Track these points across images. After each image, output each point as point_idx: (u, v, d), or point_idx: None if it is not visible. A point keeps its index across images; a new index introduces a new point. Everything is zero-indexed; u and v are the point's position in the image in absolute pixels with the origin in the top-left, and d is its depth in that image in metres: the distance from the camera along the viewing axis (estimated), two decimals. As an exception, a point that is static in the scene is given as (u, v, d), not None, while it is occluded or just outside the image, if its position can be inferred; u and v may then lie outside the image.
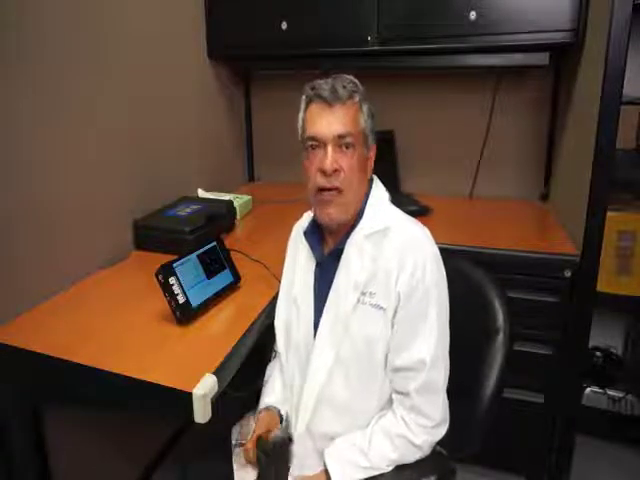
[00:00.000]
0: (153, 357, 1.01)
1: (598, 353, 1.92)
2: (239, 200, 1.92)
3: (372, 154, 1.04)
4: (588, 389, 1.95)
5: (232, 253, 1.33)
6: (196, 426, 0.90)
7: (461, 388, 1.01)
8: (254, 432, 1.07)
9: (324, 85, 0.97)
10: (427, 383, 0.95)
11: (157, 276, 1.10)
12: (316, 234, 1.08)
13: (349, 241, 1.01)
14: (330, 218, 1.00)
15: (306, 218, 1.15)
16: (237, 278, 1.30)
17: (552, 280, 1.48)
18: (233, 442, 1.13)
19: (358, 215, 1.02)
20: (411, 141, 2.10)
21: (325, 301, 1.03)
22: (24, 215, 1.19)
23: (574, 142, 1.66)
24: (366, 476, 0.96)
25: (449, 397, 0.99)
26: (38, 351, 1.03)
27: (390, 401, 1.00)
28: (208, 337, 1.10)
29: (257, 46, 1.95)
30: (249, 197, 2.00)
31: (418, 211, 1.78)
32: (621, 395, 1.93)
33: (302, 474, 1.03)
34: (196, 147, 1.98)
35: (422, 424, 0.95)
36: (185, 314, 1.12)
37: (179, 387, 0.90)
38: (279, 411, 1.10)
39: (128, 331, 1.11)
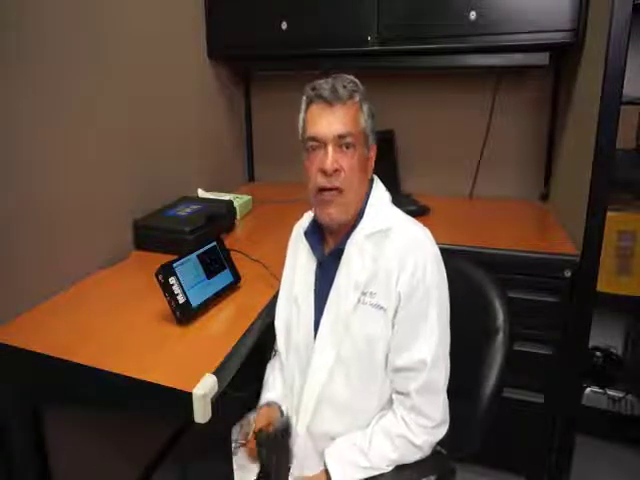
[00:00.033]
0: (153, 357, 1.01)
1: (598, 353, 1.92)
2: (239, 200, 1.92)
3: (373, 154, 1.04)
4: (588, 389, 1.95)
5: (232, 253, 1.33)
6: (196, 426, 0.90)
7: (461, 388, 1.01)
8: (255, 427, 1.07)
9: (324, 85, 0.97)
10: (427, 383, 0.95)
11: (157, 276, 1.10)
12: (316, 234, 1.08)
13: (350, 241, 1.01)
14: (331, 218, 1.00)
15: (306, 218, 1.15)
16: (237, 278, 1.30)
17: (552, 280, 1.48)
18: (233, 442, 1.13)
19: (359, 215, 1.02)
20: (411, 141, 2.10)
21: (326, 301, 1.03)
22: (24, 215, 1.19)
23: (574, 142, 1.66)
24: (366, 476, 0.96)
25: (449, 397, 0.99)
26: (38, 351, 1.03)
27: (390, 401, 1.00)
28: (208, 337, 1.10)
29: (257, 46, 1.95)
30: (249, 197, 2.00)
31: (418, 211, 1.78)
32: (621, 395, 1.93)
33: (302, 474, 1.03)
34: (196, 147, 1.98)
35: (422, 424, 0.95)
36: (185, 314, 1.12)
37: (179, 387, 0.90)
38: (280, 406, 1.10)
39: (128, 331, 1.11)
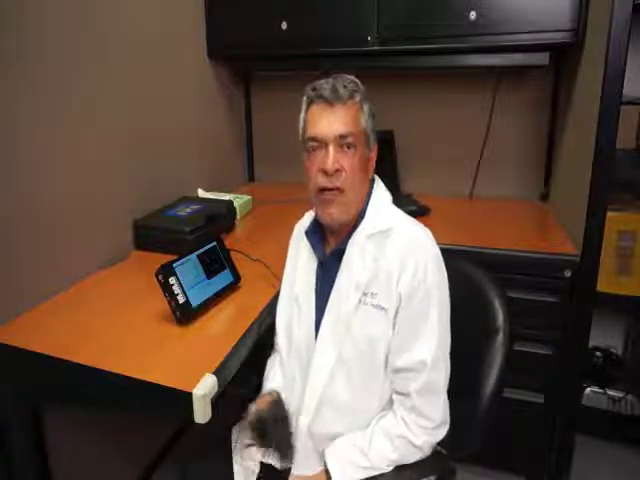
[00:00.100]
0: (153, 357, 1.01)
1: (598, 353, 1.92)
2: (239, 200, 1.92)
3: (373, 154, 1.04)
4: (588, 389, 1.95)
5: (232, 253, 1.33)
6: (196, 426, 0.90)
7: (461, 388, 1.01)
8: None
9: (325, 85, 0.97)
10: (428, 384, 0.95)
11: (157, 276, 1.10)
12: (318, 234, 1.08)
13: (351, 241, 1.01)
14: (332, 218, 1.00)
15: (307, 218, 1.15)
16: (237, 278, 1.30)
17: (552, 280, 1.48)
18: (233, 442, 1.13)
19: (360, 215, 1.02)
20: (411, 141, 2.10)
21: (326, 301, 1.03)
22: (24, 215, 1.19)
23: (574, 142, 1.66)
24: (366, 476, 0.96)
25: (449, 397, 0.99)
26: (38, 351, 1.03)
27: (391, 401, 1.00)
28: (208, 337, 1.10)
29: (257, 46, 1.95)
30: (249, 197, 2.00)
31: (418, 211, 1.78)
32: (621, 395, 1.93)
33: (302, 474, 1.03)
34: (196, 147, 1.98)
35: (422, 425, 0.95)
36: (185, 314, 1.12)
37: (179, 387, 0.90)
38: (279, 394, 1.10)
39: (128, 331, 1.11)
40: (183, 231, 1.52)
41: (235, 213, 1.85)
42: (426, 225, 1.04)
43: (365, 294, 0.98)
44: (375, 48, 1.77)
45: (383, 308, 0.97)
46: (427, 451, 0.98)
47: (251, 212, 1.99)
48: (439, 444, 1.01)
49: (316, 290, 1.07)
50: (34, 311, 1.20)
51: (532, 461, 1.66)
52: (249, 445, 1.12)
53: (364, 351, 0.98)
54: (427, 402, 0.95)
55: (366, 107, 1.00)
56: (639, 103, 1.59)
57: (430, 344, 0.95)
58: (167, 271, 1.11)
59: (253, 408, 1.04)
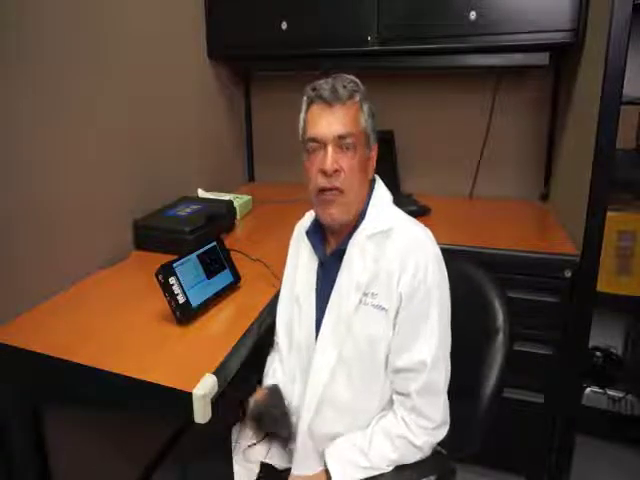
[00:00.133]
0: (153, 357, 1.01)
1: (598, 353, 1.92)
2: (239, 200, 1.92)
3: (374, 153, 1.04)
4: (588, 389, 1.95)
5: (232, 253, 1.33)
6: (196, 426, 0.90)
7: (461, 388, 1.01)
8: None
9: (324, 85, 0.97)
10: (428, 384, 0.95)
11: (157, 276, 1.10)
12: (318, 233, 1.08)
13: (351, 242, 1.01)
14: (332, 218, 1.00)
15: (308, 217, 1.15)
16: (237, 278, 1.30)
17: (552, 280, 1.48)
18: (233, 442, 1.13)
19: (360, 216, 1.02)
20: (411, 141, 2.10)
21: (327, 301, 1.03)
22: (24, 215, 1.19)
23: (574, 142, 1.66)
24: (366, 476, 0.96)
25: (449, 397, 0.99)
26: (38, 351, 1.03)
27: (391, 401, 1.00)
28: (208, 337, 1.10)
29: (257, 46, 1.95)
30: (249, 197, 2.00)
31: (418, 211, 1.78)
32: (621, 395, 1.93)
33: (302, 474, 1.03)
34: (196, 147, 1.98)
35: (422, 425, 0.95)
36: (185, 314, 1.12)
37: (179, 387, 0.90)
38: (277, 385, 1.10)
39: (128, 331, 1.11)
40: (183, 231, 1.52)
41: (235, 213, 1.85)
42: (426, 225, 1.04)
43: (365, 294, 0.98)
44: (375, 48, 1.77)
45: (383, 308, 0.96)
46: (427, 451, 0.98)
47: (251, 212, 1.99)
48: (439, 444, 1.01)
49: (316, 290, 1.07)
50: (34, 311, 1.20)
51: (532, 461, 1.66)
52: (249, 445, 1.12)
53: (364, 351, 0.98)
54: (427, 402, 0.95)
55: (366, 107, 1.00)
56: (639, 103, 1.59)
57: (430, 344, 0.95)
58: (167, 271, 1.11)
59: (252, 401, 1.07)
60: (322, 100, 0.96)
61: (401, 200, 1.56)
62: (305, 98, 1.01)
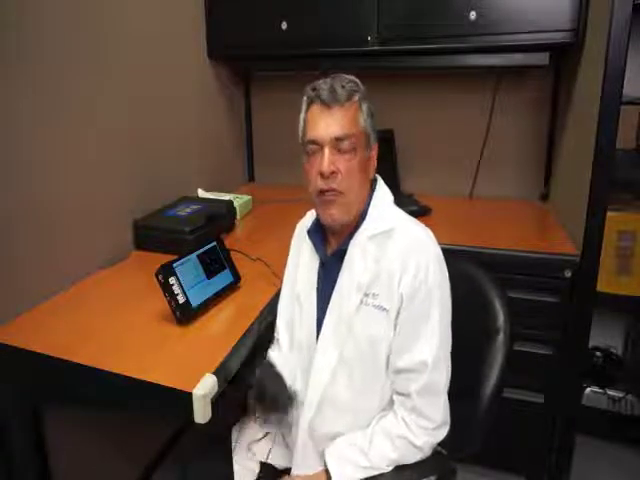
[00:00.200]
0: (153, 357, 1.01)
1: (598, 353, 1.92)
2: (239, 200, 1.92)
3: (374, 153, 1.03)
4: (588, 389, 1.95)
5: (232, 253, 1.33)
6: (196, 426, 0.90)
7: (461, 388, 1.01)
8: None
9: (323, 86, 0.97)
10: (428, 385, 0.95)
11: (157, 276, 1.10)
12: (319, 233, 1.08)
13: (352, 242, 1.01)
14: (332, 219, 1.00)
15: (309, 217, 1.15)
16: (237, 278, 1.30)
17: (552, 280, 1.48)
18: (233, 442, 1.13)
19: (361, 216, 1.02)
20: (411, 141, 2.10)
21: (328, 301, 1.03)
22: (24, 215, 1.19)
23: (574, 142, 1.66)
24: (366, 476, 0.96)
25: (449, 397, 0.99)
26: (38, 351, 1.03)
27: (392, 401, 1.00)
28: (208, 337, 1.10)
29: (257, 46, 1.95)
30: (249, 197, 2.00)
31: (419, 211, 1.78)
32: (621, 395, 1.93)
33: (302, 473, 1.03)
34: (196, 147, 1.98)
35: (423, 426, 0.95)
36: (185, 314, 1.12)
37: (179, 387, 0.90)
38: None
39: (128, 331, 1.11)
40: (183, 231, 1.52)
41: (235, 213, 1.85)
42: (426, 225, 1.04)
43: (366, 295, 0.98)
44: (375, 48, 1.77)
45: (384, 309, 0.96)
46: (427, 452, 0.98)
47: (251, 212, 1.99)
48: (439, 444, 1.01)
49: (317, 289, 1.07)
50: (34, 311, 1.20)
51: (532, 461, 1.66)
52: (250, 443, 1.12)
53: (365, 352, 0.98)
54: (428, 403, 0.95)
55: (365, 106, 0.99)
56: (639, 103, 1.59)
57: (431, 344, 0.95)
58: (167, 271, 1.11)
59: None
60: (320, 101, 0.96)
61: (402, 200, 1.56)
62: (305, 98, 1.01)
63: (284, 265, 1.19)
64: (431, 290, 0.95)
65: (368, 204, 1.02)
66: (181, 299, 1.12)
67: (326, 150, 0.95)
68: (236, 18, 1.94)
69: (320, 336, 1.03)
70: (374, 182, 1.06)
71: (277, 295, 1.20)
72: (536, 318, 1.51)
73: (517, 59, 1.72)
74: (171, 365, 0.98)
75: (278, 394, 1.01)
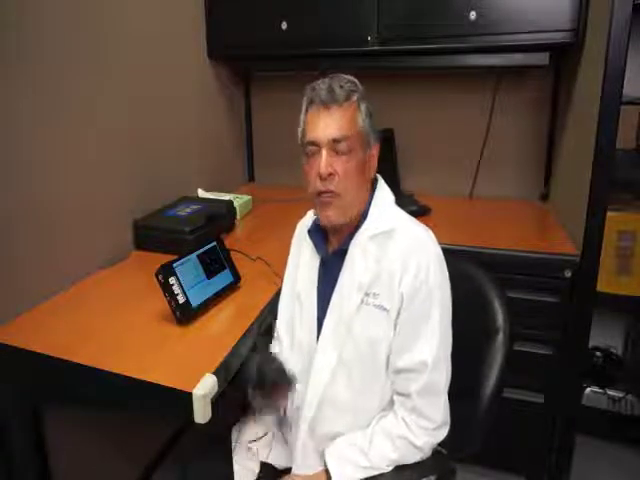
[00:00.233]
0: (153, 357, 1.01)
1: (598, 353, 1.92)
2: (239, 200, 1.92)
3: (374, 152, 1.02)
4: (588, 389, 1.95)
5: (232, 253, 1.33)
6: (196, 426, 0.90)
7: (461, 388, 1.01)
8: None
9: (322, 86, 0.96)
10: (428, 385, 0.95)
11: (157, 276, 1.10)
12: (320, 233, 1.08)
13: (353, 242, 1.01)
14: (329, 220, 1.00)
15: (310, 216, 1.15)
16: (237, 278, 1.30)
17: (552, 280, 1.48)
18: (233, 442, 1.13)
19: (362, 216, 1.02)
20: (411, 141, 2.10)
21: (328, 300, 1.03)
22: (24, 215, 1.19)
23: (574, 142, 1.66)
24: (366, 475, 0.96)
25: (449, 397, 0.98)
26: (38, 351, 1.03)
27: (392, 401, 1.00)
28: (208, 337, 1.10)
29: (257, 46, 1.95)
30: (249, 197, 2.00)
31: (419, 211, 1.78)
32: (621, 395, 1.93)
33: (302, 473, 1.03)
34: (196, 147, 1.98)
35: (423, 426, 0.95)
36: (185, 314, 1.12)
37: (179, 387, 0.90)
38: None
39: (128, 331, 1.11)
40: (183, 231, 1.52)
41: (235, 213, 1.85)
42: (426, 225, 1.04)
43: (367, 295, 0.98)
44: (375, 48, 1.77)
45: (385, 309, 0.96)
46: (427, 452, 0.98)
47: (251, 212, 1.99)
48: (439, 444, 1.01)
49: (318, 288, 1.07)
50: (34, 311, 1.20)
51: (532, 461, 1.66)
52: (250, 442, 1.12)
53: (365, 352, 0.98)
54: (428, 403, 0.95)
55: (363, 106, 0.98)
56: (639, 103, 1.59)
57: (431, 345, 0.95)
58: (167, 271, 1.11)
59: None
60: (319, 101, 0.96)
61: (402, 200, 1.55)
62: (305, 98, 1.01)
63: (284, 265, 1.19)
64: (432, 290, 0.95)
65: (369, 204, 1.02)
66: (181, 299, 1.12)
67: (323, 152, 0.95)
68: (236, 18, 1.94)
69: (320, 336, 1.03)
70: (375, 182, 1.06)
71: (277, 294, 1.20)
72: (536, 318, 1.51)
73: (517, 59, 1.72)
74: (171, 365, 0.98)
75: (278, 379, 1.00)
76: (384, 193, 1.05)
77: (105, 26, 1.43)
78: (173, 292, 1.10)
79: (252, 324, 1.14)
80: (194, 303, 1.14)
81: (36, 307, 1.21)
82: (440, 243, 1.02)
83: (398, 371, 0.97)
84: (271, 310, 1.19)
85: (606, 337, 1.94)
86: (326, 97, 0.95)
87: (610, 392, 1.94)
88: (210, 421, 0.90)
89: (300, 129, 1.01)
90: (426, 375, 0.94)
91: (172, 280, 1.11)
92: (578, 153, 1.55)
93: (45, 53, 1.23)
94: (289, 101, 1.37)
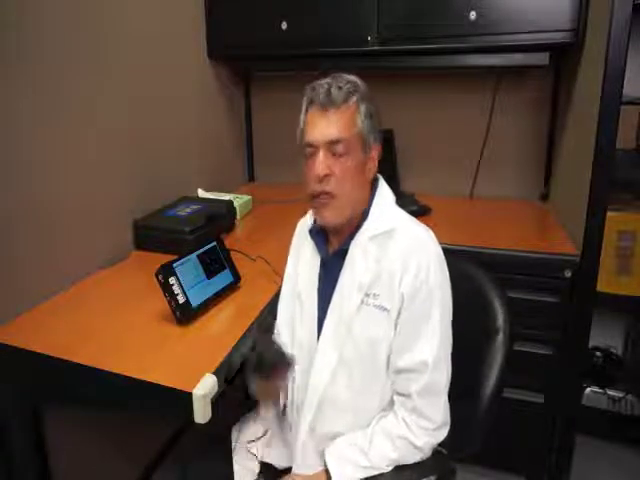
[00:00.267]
0: (153, 357, 1.01)
1: (598, 353, 1.92)
2: (239, 200, 1.92)
3: (374, 153, 1.02)
4: (588, 389, 1.95)
5: (232, 253, 1.33)
6: (196, 426, 0.90)
7: (461, 388, 1.01)
8: None
9: (321, 87, 0.96)
10: (429, 385, 0.95)
11: (157, 276, 1.10)
12: (321, 233, 1.08)
13: (354, 242, 1.01)
14: (326, 222, 1.00)
15: (310, 216, 1.15)
16: (237, 278, 1.30)
17: (552, 280, 1.48)
18: (233, 442, 1.13)
19: (362, 216, 1.01)
20: (411, 141, 2.10)
21: (329, 300, 1.03)
22: (24, 215, 1.19)
23: (574, 142, 1.66)
24: (366, 475, 0.96)
25: (449, 397, 0.98)
26: (38, 351, 1.03)
27: (392, 402, 1.00)
28: (208, 337, 1.10)
29: (257, 46, 1.95)
30: (249, 197, 2.00)
31: (419, 211, 1.78)
32: (621, 395, 1.93)
33: (302, 473, 1.03)
34: (196, 147, 1.98)
35: (423, 426, 0.95)
36: (185, 314, 1.12)
37: (179, 387, 0.90)
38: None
39: (128, 331, 1.11)
40: (183, 231, 1.52)
41: (235, 213, 1.85)
42: (426, 225, 1.04)
43: (367, 295, 0.98)
44: (375, 48, 1.77)
45: (385, 309, 0.96)
46: (427, 452, 0.98)
47: (251, 212, 1.99)
48: (440, 444, 1.01)
49: (318, 288, 1.07)
50: (34, 311, 1.20)
51: (532, 461, 1.66)
52: (250, 442, 1.12)
53: (365, 353, 0.98)
54: (428, 403, 0.95)
55: (363, 107, 0.97)
56: (639, 103, 1.59)
57: (432, 344, 0.95)
58: (167, 271, 1.11)
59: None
60: (317, 104, 0.96)
61: (402, 200, 1.55)
62: (305, 98, 1.00)
63: (284, 264, 1.19)
64: (432, 290, 0.95)
65: (370, 204, 1.02)
66: (181, 299, 1.12)
67: (320, 153, 0.95)
68: (236, 18, 1.94)
69: (320, 337, 1.03)
70: (376, 182, 1.05)
71: (278, 294, 1.20)
72: (536, 318, 1.51)
73: (517, 59, 1.72)
74: (171, 365, 0.98)
75: (277, 361, 1.00)
76: (385, 193, 1.05)
77: (105, 26, 1.43)
78: (173, 292, 1.10)
79: (252, 324, 1.14)
80: (194, 303, 1.14)
81: (36, 307, 1.21)
82: (440, 243, 1.02)
83: (399, 371, 0.97)
84: (271, 310, 1.19)
85: (606, 337, 1.94)
86: (324, 99, 0.95)
87: (610, 392, 1.94)
88: (210, 421, 0.90)
89: (300, 129, 1.01)
90: (427, 375, 0.94)
91: (172, 280, 1.11)
92: (578, 153, 1.55)
93: (45, 53, 1.23)
94: (289, 101, 1.37)
